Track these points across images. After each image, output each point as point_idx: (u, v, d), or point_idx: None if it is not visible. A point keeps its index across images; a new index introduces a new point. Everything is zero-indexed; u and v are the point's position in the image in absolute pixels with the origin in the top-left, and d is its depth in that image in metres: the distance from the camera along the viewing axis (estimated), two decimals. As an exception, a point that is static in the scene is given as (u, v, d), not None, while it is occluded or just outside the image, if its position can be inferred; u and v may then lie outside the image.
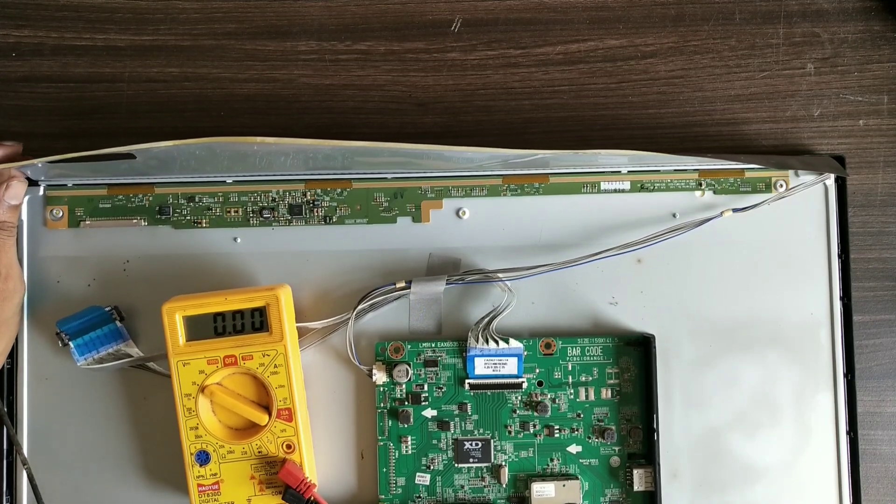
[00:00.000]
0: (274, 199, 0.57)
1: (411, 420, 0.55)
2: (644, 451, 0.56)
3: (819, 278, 0.57)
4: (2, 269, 0.53)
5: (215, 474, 0.53)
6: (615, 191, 0.57)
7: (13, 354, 0.56)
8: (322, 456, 0.56)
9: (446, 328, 0.57)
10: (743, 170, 0.57)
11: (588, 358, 0.56)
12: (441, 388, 0.56)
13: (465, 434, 0.56)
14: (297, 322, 0.55)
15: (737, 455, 0.56)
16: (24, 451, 0.56)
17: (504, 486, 0.56)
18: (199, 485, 0.53)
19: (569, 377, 0.56)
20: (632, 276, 0.57)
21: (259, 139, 0.50)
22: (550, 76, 0.59)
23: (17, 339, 0.56)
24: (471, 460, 0.56)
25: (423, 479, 0.56)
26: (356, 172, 0.57)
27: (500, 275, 0.55)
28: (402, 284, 0.55)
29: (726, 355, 0.57)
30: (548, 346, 0.56)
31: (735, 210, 0.56)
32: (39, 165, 0.54)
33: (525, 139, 0.59)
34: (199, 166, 0.55)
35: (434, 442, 0.56)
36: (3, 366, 0.56)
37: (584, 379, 0.56)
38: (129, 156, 0.52)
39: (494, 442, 0.56)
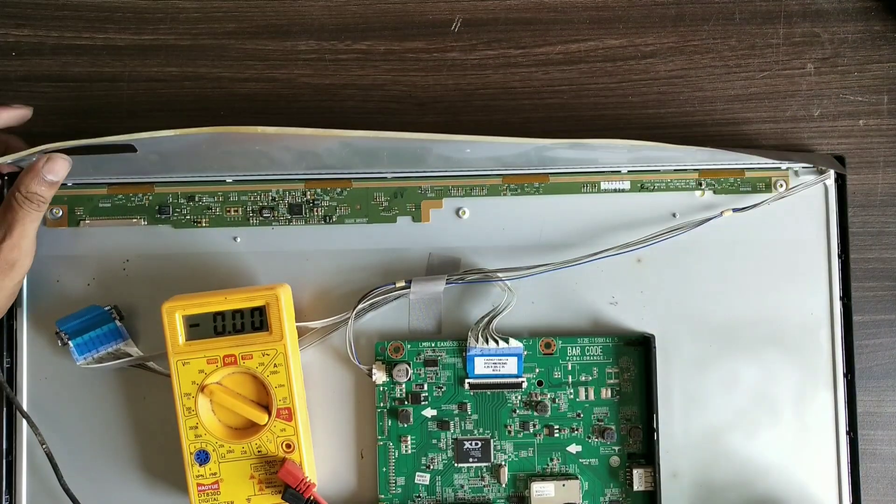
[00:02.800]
0: (274, 199, 0.57)
1: (411, 420, 0.55)
2: (644, 450, 0.56)
3: (819, 278, 0.57)
4: (11, 240, 0.52)
5: (215, 474, 0.53)
6: (615, 191, 0.57)
7: (13, 354, 0.56)
8: (322, 455, 0.56)
9: (446, 328, 0.57)
10: (743, 170, 0.57)
11: (588, 358, 0.56)
12: (441, 388, 0.56)
13: (465, 434, 0.56)
14: (296, 321, 0.55)
15: (737, 455, 0.56)
16: (24, 450, 0.56)
17: (504, 485, 0.56)
18: (198, 484, 0.53)
19: (569, 377, 0.56)
20: (632, 276, 0.57)
21: (260, 129, 0.50)
22: (550, 76, 0.59)
23: (16, 339, 0.56)
24: (470, 460, 0.55)
25: (422, 478, 0.56)
26: (356, 172, 0.57)
27: (500, 274, 0.55)
28: (402, 284, 0.55)
29: (726, 355, 0.56)
30: (548, 345, 0.56)
31: (735, 210, 0.56)
32: (35, 160, 0.53)
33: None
34: (200, 163, 0.55)
35: (434, 441, 0.56)
36: (4, 359, 0.56)
37: (583, 379, 0.56)
38: (130, 149, 0.52)
39: (494, 442, 0.56)
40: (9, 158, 0.52)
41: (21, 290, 0.56)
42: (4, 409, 0.56)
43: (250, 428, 0.53)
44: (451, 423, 0.56)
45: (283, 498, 0.52)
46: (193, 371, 0.52)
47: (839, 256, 0.57)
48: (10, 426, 0.56)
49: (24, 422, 0.56)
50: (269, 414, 0.53)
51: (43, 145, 0.51)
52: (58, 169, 0.52)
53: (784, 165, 0.57)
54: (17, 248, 0.52)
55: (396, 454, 0.56)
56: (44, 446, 0.54)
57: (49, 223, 0.57)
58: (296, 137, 0.52)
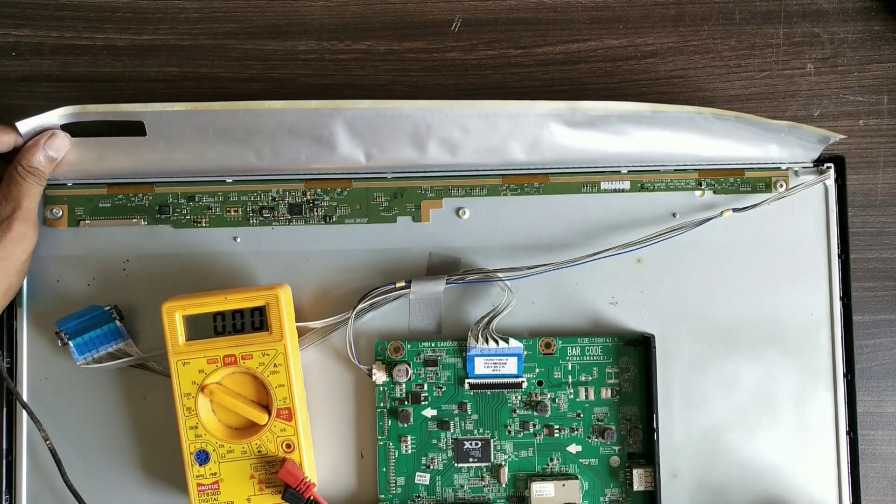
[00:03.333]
0: (274, 199, 0.57)
1: (411, 420, 0.55)
2: (644, 451, 0.56)
3: (819, 278, 0.57)
4: (21, 212, 0.53)
5: (215, 474, 0.53)
6: (615, 191, 0.57)
7: (13, 354, 0.56)
8: (322, 455, 0.56)
9: (446, 328, 0.57)
10: (743, 170, 0.57)
11: (588, 358, 0.56)
12: (441, 388, 0.56)
13: (465, 434, 0.56)
14: (296, 321, 0.55)
15: (737, 455, 0.56)
16: (24, 449, 0.56)
17: (504, 485, 0.56)
18: (198, 484, 0.53)
19: (569, 377, 0.56)
20: (632, 276, 0.57)
21: (267, 104, 0.52)
22: (550, 76, 0.59)
23: (16, 339, 0.56)
24: (470, 460, 0.55)
25: (422, 478, 0.56)
26: (356, 172, 0.57)
27: (500, 274, 0.55)
28: (402, 284, 0.55)
29: (726, 355, 0.56)
30: (548, 345, 0.56)
31: (735, 210, 0.56)
32: (57, 120, 0.54)
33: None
34: (203, 151, 0.55)
35: (434, 441, 0.56)
36: (4, 361, 0.56)
37: (583, 379, 0.56)
38: (140, 132, 0.54)
39: (494, 442, 0.56)
40: (31, 122, 0.53)
41: (21, 289, 0.56)
42: (4, 408, 0.56)
43: (250, 428, 0.53)
44: (451, 423, 0.56)
45: (283, 498, 0.52)
46: (193, 371, 0.52)
47: (839, 256, 0.57)
48: (10, 425, 0.56)
49: (25, 421, 0.56)
50: (269, 414, 0.53)
51: (61, 108, 0.53)
52: (58, 145, 0.54)
53: (784, 165, 0.57)
54: (28, 221, 0.53)
55: (396, 454, 0.56)
56: (48, 442, 0.54)
57: (49, 223, 0.57)
58: (300, 119, 0.52)
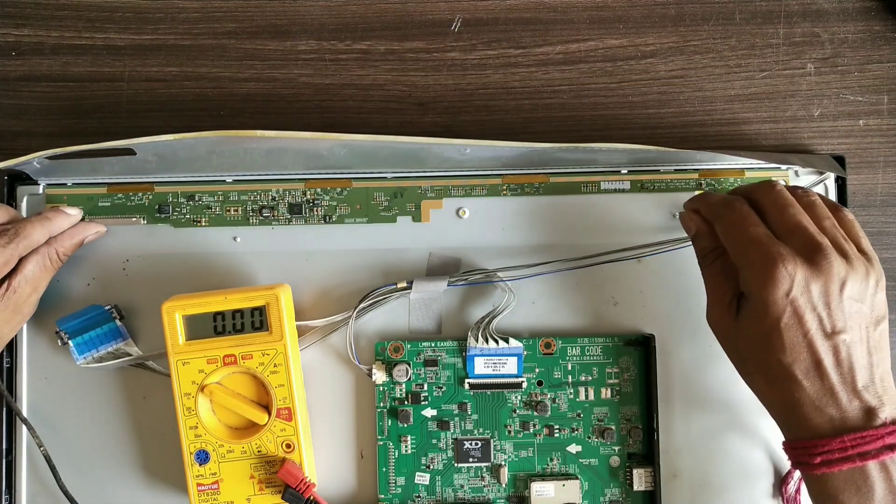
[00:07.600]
0: (274, 199, 0.57)
1: (411, 420, 0.55)
2: (644, 451, 0.56)
3: (819, 278, 0.57)
4: (39, 293, 0.54)
5: (215, 473, 0.53)
6: (615, 191, 0.57)
7: (13, 353, 0.56)
8: (322, 455, 0.56)
9: (446, 328, 0.57)
10: (743, 170, 0.57)
11: (588, 358, 0.56)
12: (441, 388, 0.56)
13: (465, 434, 0.56)
14: (296, 321, 0.55)
15: (737, 455, 0.56)
16: (24, 450, 0.56)
17: (504, 485, 0.56)
18: (198, 484, 0.53)
19: (569, 377, 0.56)
20: (632, 276, 0.57)
21: (259, 133, 0.50)
22: (550, 76, 0.59)
23: (16, 338, 0.56)
24: (470, 460, 0.55)
25: (422, 478, 0.56)
26: (356, 172, 0.57)
27: (500, 274, 0.55)
28: (403, 284, 0.55)
29: (726, 355, 0.56)
30: (548, 345, 0.56)
31: (735, 210, 0.56)
32: (37, 164, 0.54)
33: (525, 139, 0.59)
34: (199, 163, 0.55)
35: (434, 441, 0.56)
36: (4, 361, 0.56)
37: (583, 379, 0.56)
38: (129, 152, 0.53)
39: (494, 442, 0.56)
40: (11, 163, 0.52)
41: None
42: (4, 408, 0.56)
43: (250, 428, 0.53)
44: (451, 423, 0.56)
45: (283, 498, 0.52)
46: (193, 371, 0.52)
47: (839, 256, 0.57)
48: (9, 426, 0.56)
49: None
50: (269, 414, 0.53)
51: (43, 151, 0.52)
52: (96, 233, 0.56)
53: (784, 166, 0.57)
54: (33, 296, 0.54)
55: (396, 454, 0.56)
56: (42, 449, 0.54)
57: (49, 223, 0.57)
58: (296, 143, 0.52)
